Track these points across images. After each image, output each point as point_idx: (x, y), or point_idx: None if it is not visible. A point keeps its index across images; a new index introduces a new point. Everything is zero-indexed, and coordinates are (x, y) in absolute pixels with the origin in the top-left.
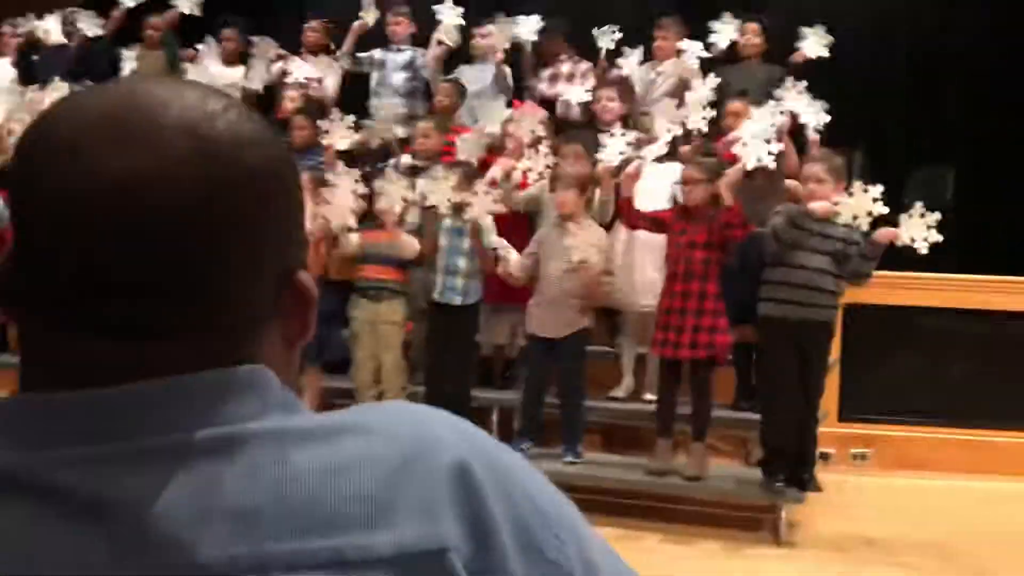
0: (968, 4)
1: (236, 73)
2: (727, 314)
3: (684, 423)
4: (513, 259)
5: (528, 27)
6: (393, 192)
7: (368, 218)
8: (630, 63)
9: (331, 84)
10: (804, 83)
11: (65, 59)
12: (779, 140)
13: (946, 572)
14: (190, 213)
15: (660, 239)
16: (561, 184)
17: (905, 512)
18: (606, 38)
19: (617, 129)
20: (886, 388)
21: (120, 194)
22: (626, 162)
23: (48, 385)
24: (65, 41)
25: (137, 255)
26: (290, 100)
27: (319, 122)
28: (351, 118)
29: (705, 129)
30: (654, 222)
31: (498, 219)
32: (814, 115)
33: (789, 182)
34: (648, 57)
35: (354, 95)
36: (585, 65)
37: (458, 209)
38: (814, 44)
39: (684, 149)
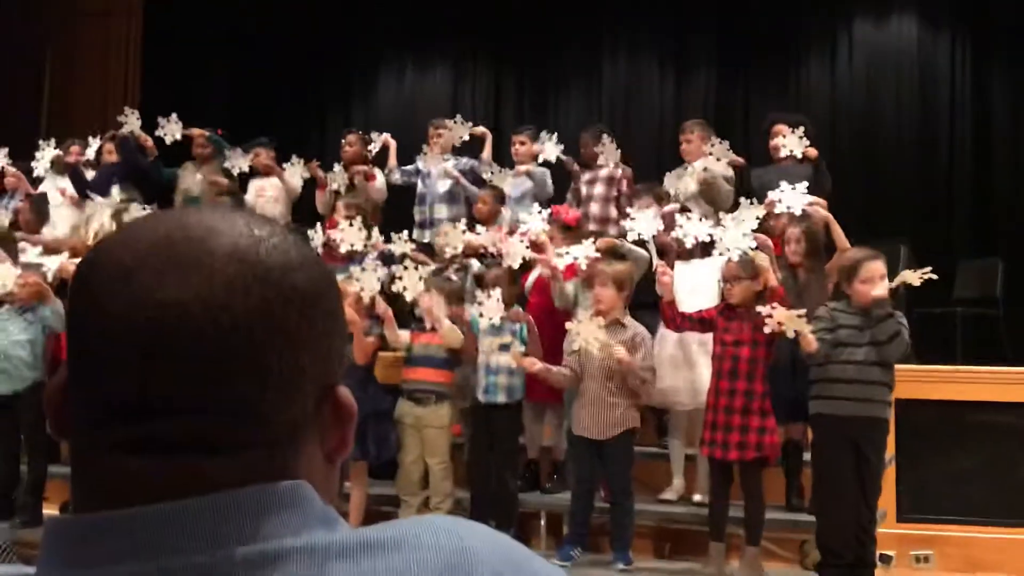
0: (1013, 97)
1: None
2: (776, 412)
3: (737, 525)
4: (555, 372)
5: (551, 151)
6: (366, 280)
7: (413, 320)
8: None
9: (296, 184)
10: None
11: (114, 174)
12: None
13: None
14: (236, 336)
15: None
16: (598, 280)
17: None
18: (551, 146)
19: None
20: (945, 486)
21: (168, 319)
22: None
23: (96, 503)
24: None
25: (183, 377)
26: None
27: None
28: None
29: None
30: (700, 322)
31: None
32: (796, 201)
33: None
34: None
35: (398, 206)
36: (625, 169)
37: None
38: (794, 143)
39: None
